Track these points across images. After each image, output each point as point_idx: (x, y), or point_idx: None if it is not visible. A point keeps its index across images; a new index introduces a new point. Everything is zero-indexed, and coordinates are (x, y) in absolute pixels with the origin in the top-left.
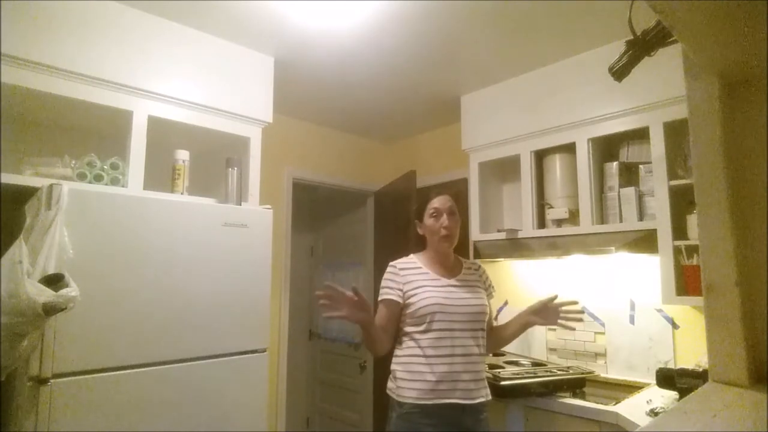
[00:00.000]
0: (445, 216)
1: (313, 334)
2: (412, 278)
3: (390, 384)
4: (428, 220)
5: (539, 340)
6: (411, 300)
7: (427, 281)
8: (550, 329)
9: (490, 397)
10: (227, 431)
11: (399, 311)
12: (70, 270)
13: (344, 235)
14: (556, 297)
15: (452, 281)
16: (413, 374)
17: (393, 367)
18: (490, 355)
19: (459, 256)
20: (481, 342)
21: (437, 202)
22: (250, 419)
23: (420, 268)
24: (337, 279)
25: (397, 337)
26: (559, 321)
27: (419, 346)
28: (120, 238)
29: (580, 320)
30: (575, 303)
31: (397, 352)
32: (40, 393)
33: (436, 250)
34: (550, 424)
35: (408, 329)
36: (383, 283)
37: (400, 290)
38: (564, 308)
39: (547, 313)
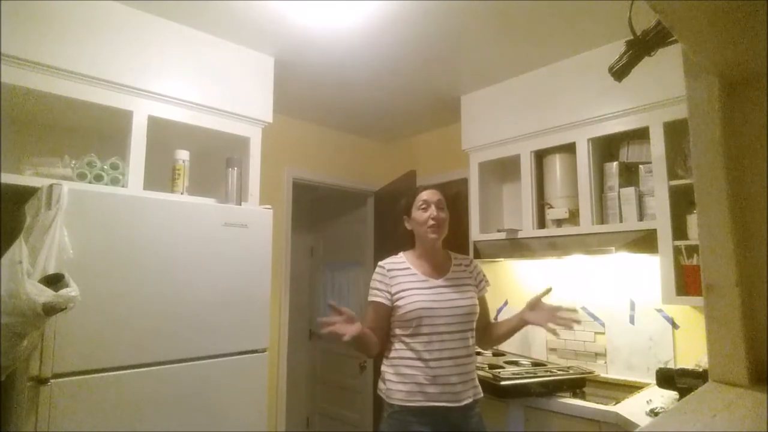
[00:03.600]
0: (433, 207)
1: (313, 334)
2: (400, 280)
3: (380, 385)
4: (416, 212)
5: (539, 340)
6: (399, 303)
7: (415, 283)
8: None
9: (480, 396)
10: (227, 431)
11: (388, 313)
12: (70, 270)
13: (344, 235)
14: (550, 290)
15: (440, 281)
16: (401, 376)
17: (383, 368)
18: (490, 354)
19: (449, 251)
20: (470, 342)
21: (426, 195)
22: (250, 419)
23: (408, 268)
24: (337, 279)
25: (387, 338)
26: (551, 325)
27: (407, 349)
28: (120, 238)
29: (577, 322)
30: (574, 310)
31: (387, 353)
32: (40, 393)
33: (423, 244)
34: (550, 424)
35: (397, 331)
36: (372, 284)
37: (388, 292)
38: (559, 313)
39: (542, 312)
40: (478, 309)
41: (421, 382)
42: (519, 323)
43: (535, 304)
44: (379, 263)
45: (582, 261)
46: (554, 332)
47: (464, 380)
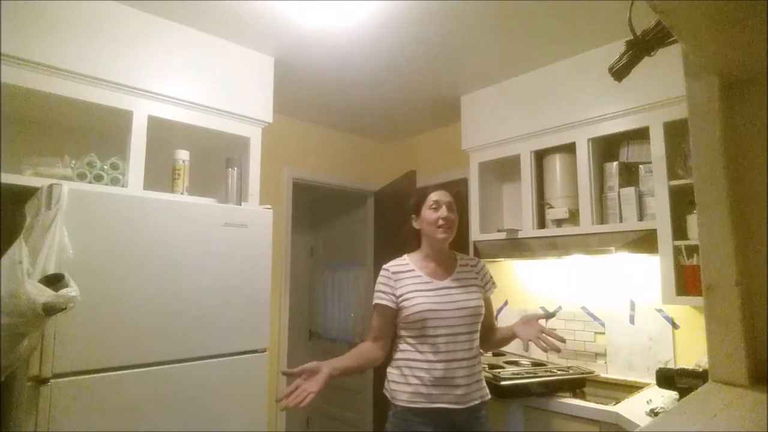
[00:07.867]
0: (444, 208)
1: (313, 334)
2: (405, 282)
3: (385, 384)
4: (426, 212)
5: None
6: (403, 305)
7: (419, 285)
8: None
9: (487, 398)
10: (227, 431)
11: (394, 315)
12: (70, 270)
13: (344, 235)
14: (553, 315)
15: (445, 282)
16: (405, 377)
17: (388, 369)
18: (490, 354)
19: (456, 252)
20: (476, 344)
21: (437, 195)
22: (250, 419)
23: (413, 270)
24: (337, 279)
25: (394, 339)
26: (533, 340)
27: (413, 350)
28: (120, 238)
29: (558, 350)
30: (562, 340)
31: (393, 354)
32: (40, 393)
33: (431, 245)
34: (550, 424)
35: (402, 332)
36: (377, 287)
37: (393, 295)
38: (546, 333)
39: (531, 329)
40: (483, 310)
41: (425, 384)
42: (509, 334)
43: (528, 320)
44: (384, 266)
45: (582, 261)
46: (544, 349)
47: (469, 382)
